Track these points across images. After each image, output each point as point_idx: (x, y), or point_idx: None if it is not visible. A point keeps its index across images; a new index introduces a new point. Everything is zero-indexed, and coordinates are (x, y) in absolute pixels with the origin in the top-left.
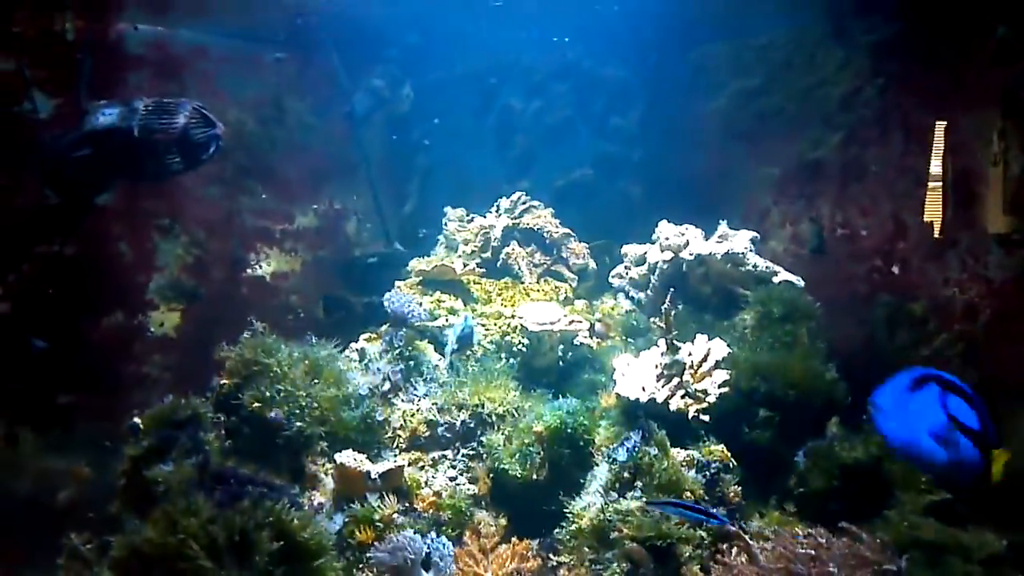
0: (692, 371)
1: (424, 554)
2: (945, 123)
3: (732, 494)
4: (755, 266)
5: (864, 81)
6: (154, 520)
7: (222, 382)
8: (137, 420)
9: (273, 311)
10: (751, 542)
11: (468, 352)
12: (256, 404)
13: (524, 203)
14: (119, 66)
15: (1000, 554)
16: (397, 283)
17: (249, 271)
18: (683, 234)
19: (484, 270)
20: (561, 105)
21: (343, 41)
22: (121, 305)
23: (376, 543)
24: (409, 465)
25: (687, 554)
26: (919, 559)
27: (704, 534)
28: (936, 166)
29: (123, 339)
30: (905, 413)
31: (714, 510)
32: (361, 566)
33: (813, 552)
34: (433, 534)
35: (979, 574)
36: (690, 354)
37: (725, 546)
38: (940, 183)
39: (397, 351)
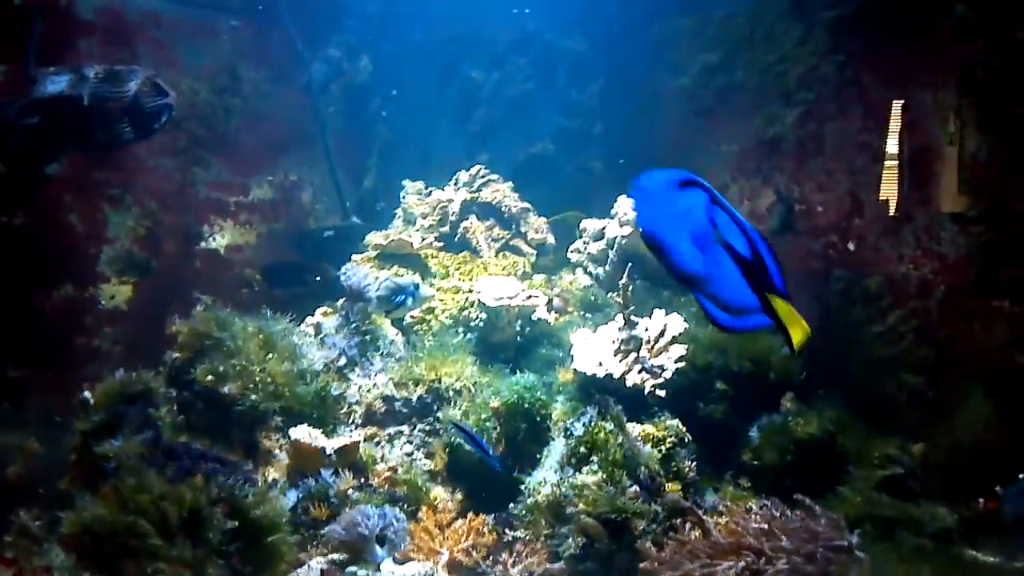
0: (649, 346)
1: (379, 529)
2: (902, 101)
3: (687, 469)
4: None
5: (822, 58)
6: (105, 496)
7: (175, 356)
8: (88, 394)
9: (227, 284)
10: (704, 517)
11: (403, 314)
12: (209, 378)
13: (483, 177)
14: (69, 32)
15: (951, 528)
16: (353, 257)
17: (203, 244)
18: None
19: (442, 244)
20: (521, 78)
21: (300, 10)
22: (71, 277)
23: (331, 519)
24: (365, 440)
25: (641, 528)
26: (872, 533)
27: (659, 509)
28: (893, 144)
29: (74, 312)
30: (667, 204)
31: (495, 457)
32: (316, 542)
33: (766, 526)
34: (388, 509)
35: (930, 547)
36: (647, 329)
37: (679, 521)
38: (896, 160)
39: (353, 325)
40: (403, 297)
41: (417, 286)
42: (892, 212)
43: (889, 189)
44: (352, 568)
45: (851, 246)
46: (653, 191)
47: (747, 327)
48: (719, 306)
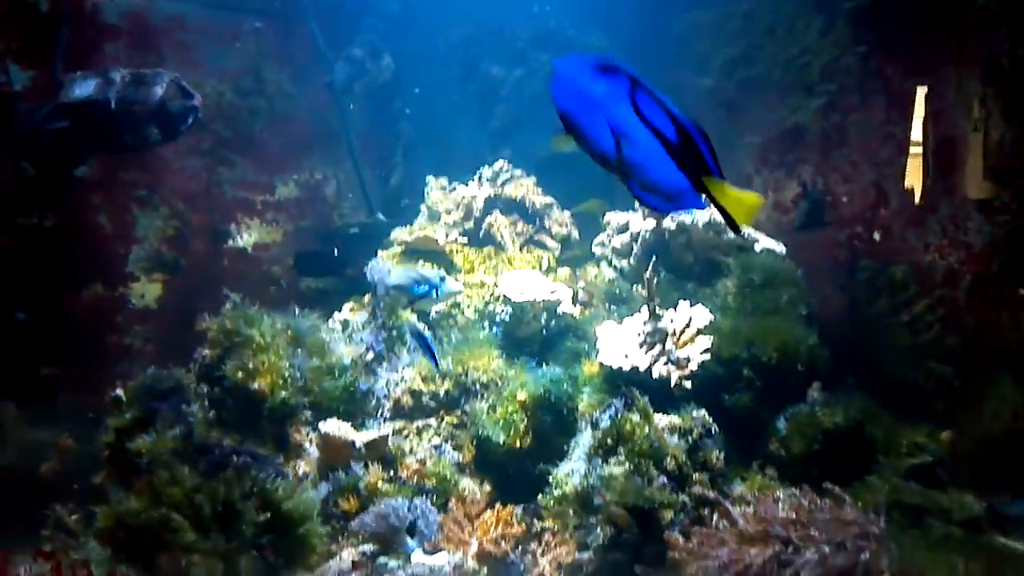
0: (674, 338)
1: (409, 521)
2: (926, 90)
3: (714, 459)
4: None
5: (845, 49)
6: (138, 491)
7: (205, 353)
8: (120, 391)
9: (255, 282)
10: (731, 507)
11: (428, 307)
12: (239, 375)
13: (507, 172)
14: (95, 37)
15: (979, 516)
16: (379, 253)
17: (230, 242)
18: None
19: (466, 240)
20: (543, 74)
21: (322, 10)
22: (101, 277)
23: (363, 510)
24: (393, 434)
25: (669, 518)
26: (900, 521)
27: (687, 499)
28: (917, 133)
29: (104, 311)
30: (585, 87)
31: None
32: (346, 534)
33: (794, 515)
34: (418, 500)
35: (958, 535)
36: (672, 321)
37: (707, 511)
38: (921, 150)
39: (380, 321)
40: (427, 288)
41: (442, 279)
42: (917, 201)
43: (914, 179)
44: (383, 559)
45: (876, 236)
46: (570, 74)
47: (683, 208)
48: (652, 191)
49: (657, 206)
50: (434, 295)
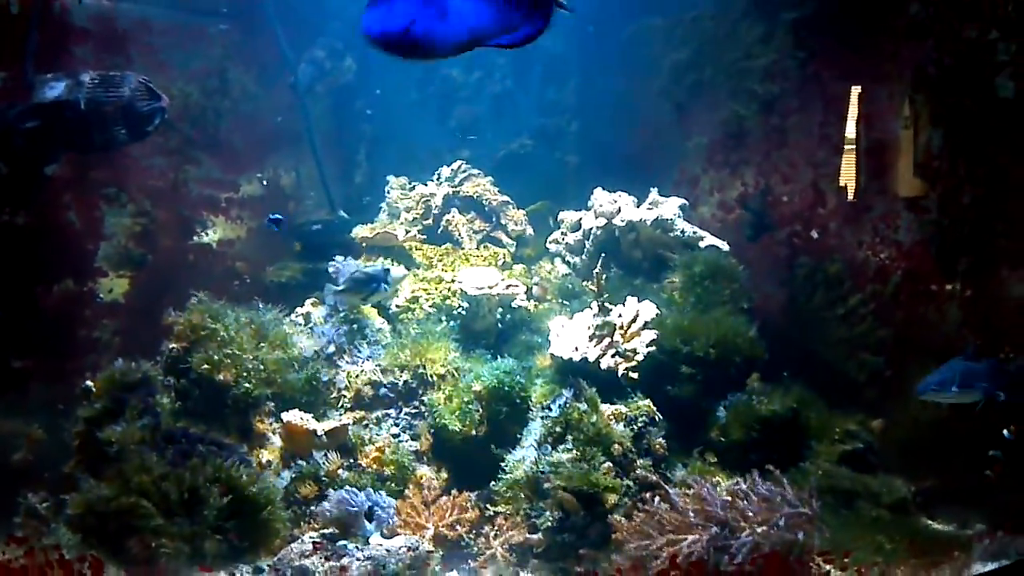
0: (622, 331)
1: (368, 507)
2: (860, 94)
3: (658, 446)
4: (683, 231)
5: (785, 54)
6: (109, 478)
7: (171, 346)
8: (90, 383)
9: (219, 277)
10: (671, 491)
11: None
12: (205, 367)
13: (464, 172)
14: (64, 39)
15: (907, 499)
16: (339, 257)
17: (195, 239)
18: (616, 201)
19: (425, 236)
20: (500, 77)
21: (286, 13)
22: (71, 272)
23: (321, 497)
24: (354, 424)
25: (614, 501)
26: (832, 504)
27: (631, 483)
28: (851, 134)
29: (73, 305)
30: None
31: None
32: (308, 519)
33: (730, 499)
34: (373, 491)
35: (887, 517)
36: (620, 315)
37: (648, 494)
38: (855, 150)
39: (341, 315)
40: (375, 284)
41: (387, 271)
42: (852, 201)
43: (848, 178)
44: (343, 542)
45: (814, 234)
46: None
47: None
48: (506, 34)
49: (522, 38)
50: (383, 288)
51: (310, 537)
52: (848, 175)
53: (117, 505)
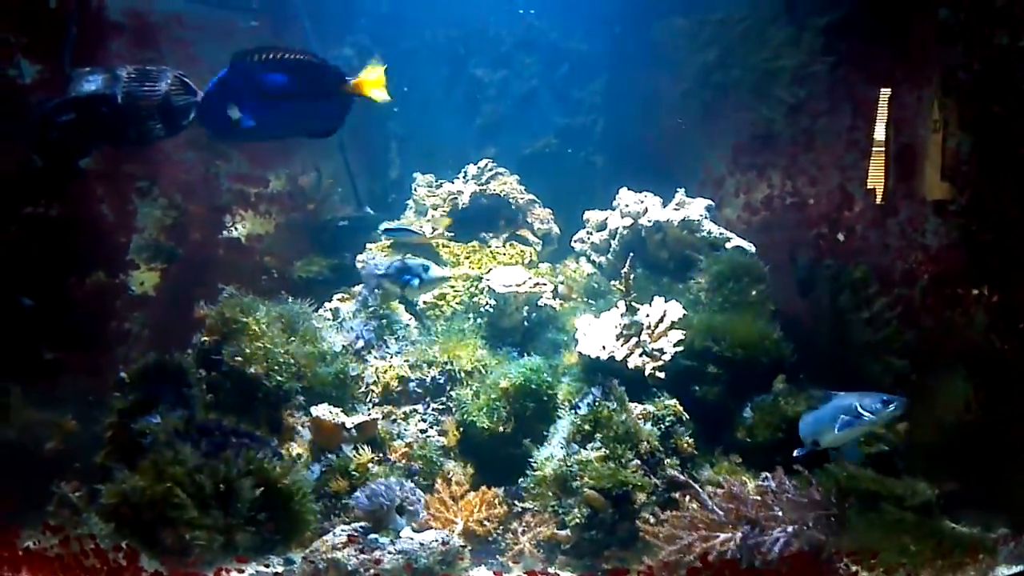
0: (649, 331)
1: (399, 500)
2: (889, 97)
3: (685, 445)
4: (709, 232)
5: (813, 57)
6: (142, 469)
7: (203, 339)
8: (124, 375)
9: (248, 272)
10: (700, 489)
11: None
12: (236, 360)
13: (491, 170)
14: (100, 33)
15: (931, 502)
16: (368, 246)
17: (225, 233)
18: (642, 201)
19: (452, 234)
20: (527, 76)
21: (315, 9)
22: (103, 265)
23: (353, 490)
24: (382, 418)
25: (642, 500)
26: (857, 507)
27: (659, 482)
28: (880, 137)
29: (105, 297)
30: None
31: None
32: (338, 512)
33: (760, 498)
34: (406, 482)
35: (912, 519)
36: (647, 315)
37: (678, 493)
38: (883, 153)
39: (370, 310)
40: (410, 277)
41: (427, 268)
42: (879, 204)
43: (876, 183)
44: (374, 535)
45: (840, 237)
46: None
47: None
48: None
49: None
50: (415, 283)
51: (343, 530)
52: (876, 179)
53: (151, 496)
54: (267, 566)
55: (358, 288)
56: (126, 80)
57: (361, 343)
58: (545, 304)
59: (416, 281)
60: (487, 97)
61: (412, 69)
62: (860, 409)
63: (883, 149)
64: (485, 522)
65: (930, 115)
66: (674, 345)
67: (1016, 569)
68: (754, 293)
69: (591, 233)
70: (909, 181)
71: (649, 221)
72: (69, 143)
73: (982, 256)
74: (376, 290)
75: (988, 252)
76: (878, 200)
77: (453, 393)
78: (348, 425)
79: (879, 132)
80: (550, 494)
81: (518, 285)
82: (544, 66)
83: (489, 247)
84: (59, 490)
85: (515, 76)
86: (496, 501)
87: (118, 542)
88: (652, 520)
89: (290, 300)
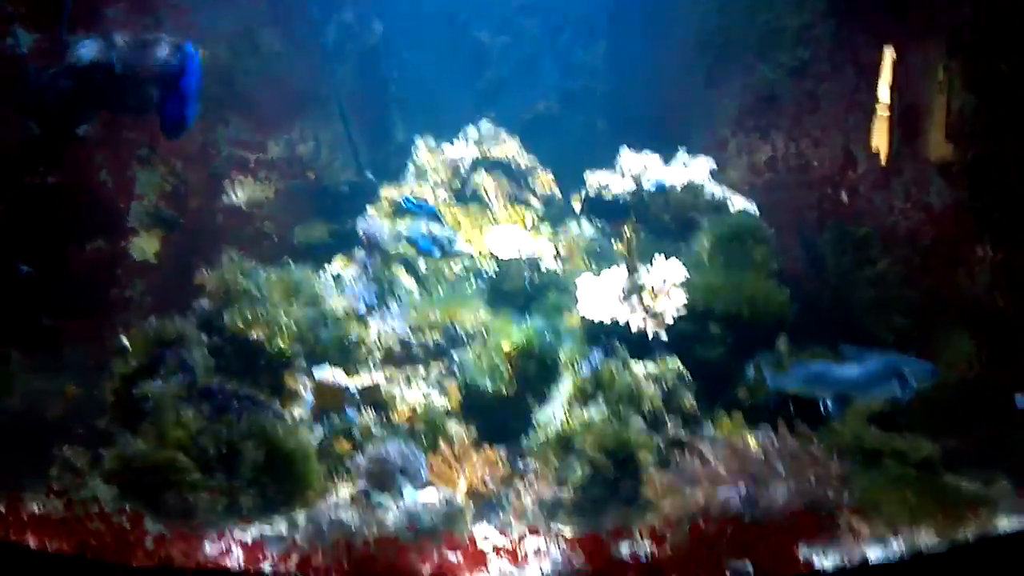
0: (651, 293)
1: (401, 461)
2: (893, 59)
3: (687, 404)
4: (712, 194)
5: (818, 18)
6: (145, 433)
7: (204, 304)
8: (125, 340)
9: (249, 237)
10: (703, 447)
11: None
12: (238, 325)
13: (492, 134)
14: (97, 1)
15: (933, 458)
16: (368, 209)
17: (225, 198)
18: (644, 163)
19: (453, 198)
20: (528, 40)
21: None
22: (103, 232)
23: (356, 452)
24: (385, 381)
25: (645, 458)
26: (860, 462)
27: (661, 440)
28: (884, 98)
29: (105, 264)
30: None
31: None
32: (342, 473)
33: (763, 455)
34: (408, 443)
35: (914, 475)
36: (649, 277)
37: (680, 451)
38: (887, 114)
39: (371, 274)
40: (431, 247)
41: (452, 240)
42: (883, 165)
43: (880, 144)
44: (377, 496)
45: (844, 198)
46: None
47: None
48: None
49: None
50: (439, 254)
51: (346, 490)
52: (880, 139)
53: (154, 459)
54: (271, 527)
55: (359, 252)
56: (123, 47)
57: (363, 307)
58: (547, 267)
59: (439, 252)
60: (489, 61)
61: (413, 34)
62: (906, 374)
63: (887, 110)
64: (487, 481)
65: (935, 75)
66: (676, 306)
67: (1016, 522)
68: (757, 254)
69: (593, 195)
70: (913, 142)
71: (651, 183)
72: (67, 111)
73: (985, 216)
74: (377, 254)
75: (990, 211)
76: (882, 161)
77: (455, 355)
78: (351, 388)
79: (883, 92)
80: (552, 453)
81: (520, 248)
82: (546, 29)
83: (491, 211)
84: (62, 454)
85: (516, 41)
86: (499, 461)
87: (122, 505)
88: (656, 477)
89: (291, 265)
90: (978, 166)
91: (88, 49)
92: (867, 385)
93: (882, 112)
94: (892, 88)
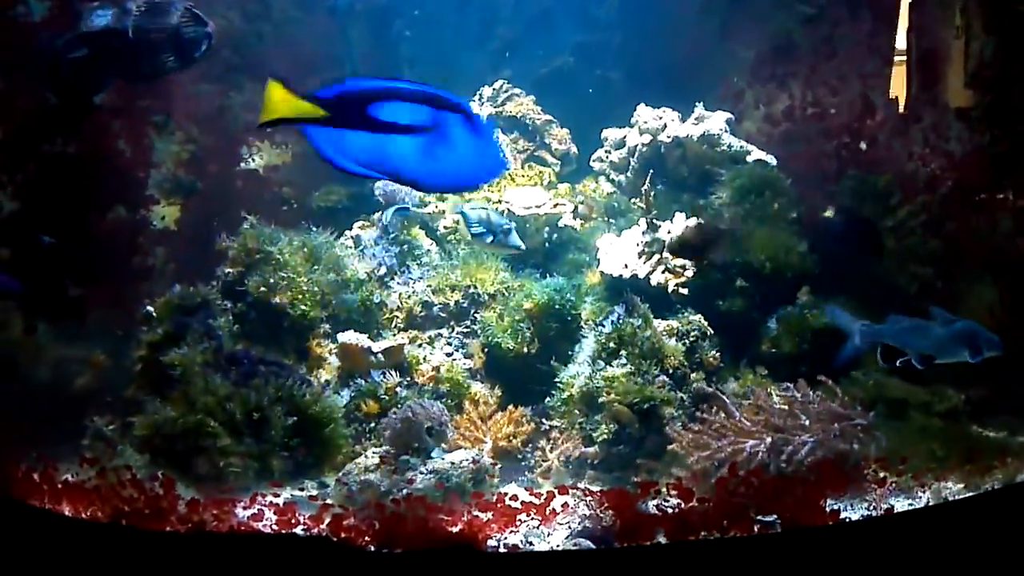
0: (671, 247)
1: (428, 422)
2: (911, 2)
3: (710, 359)
4: (730, 146)
5: None
6: (174, 400)
7: (227, 271)
8: (150, 308)
9: (268, 203)
10: (728, 401)
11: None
12: (261, 290)
13: (506, 91)
14: None
15: (958, 407)
16: None
17: (242, 164)
18: (661, 117)
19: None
20: None
21: None
22: (123, 200)
23: (383, 413)
24: (408, 343)
25: (669, 413)
26: (884, 414)
27: (685, 396)
28: (902, 44)
29: (127, 233)
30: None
31: None
32: (369, 435)
33: (787, 407)
34: (434, 404)
35: (938, 425)
36: (669, 232)
37: (705, 405)
38: (905, 60)
39: (391, 237)
40: (486, 232)
41: (508, 231)
42: (901, 112)
43: (898, 89)
44: (405, 457)
45: (863, 146)
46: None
47: None
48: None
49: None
50: (490, 240)
51: (374, 452)
52: (898, 86)
53: (184, 425)
54: (302, 490)
55: (377, 215)
56: (136, 13)
57: (384, 270)
58: (565, 225)
59: (490, 238)
60: (502, 18)
61: None
62: (980, 343)
63: (905, 56)
64: (513, 440)
65: (953, 20)
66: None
67: None
68: (776, 206)
69: (610, 151)
70: (932, 88)
71: (668, 137)
72: (83, 79)
73: (1006, 160)
74: (394, 218)
75: (1012, 156)
76: (901, 108)
77: (477, 316)
78: (375, 350)
79: (900, 38)
80: (577, 411)
81: (538, 207)
82: None
83: (508, 169)
84: (93, 424)
85: None
86: (523, 420)
87: (154, 472)
88: (681, 432)
89: (312, 229)
90: (998, 110)
91: (101, 16)
92: (948, 347)
93: (900, 58)
94: (910, 31)
